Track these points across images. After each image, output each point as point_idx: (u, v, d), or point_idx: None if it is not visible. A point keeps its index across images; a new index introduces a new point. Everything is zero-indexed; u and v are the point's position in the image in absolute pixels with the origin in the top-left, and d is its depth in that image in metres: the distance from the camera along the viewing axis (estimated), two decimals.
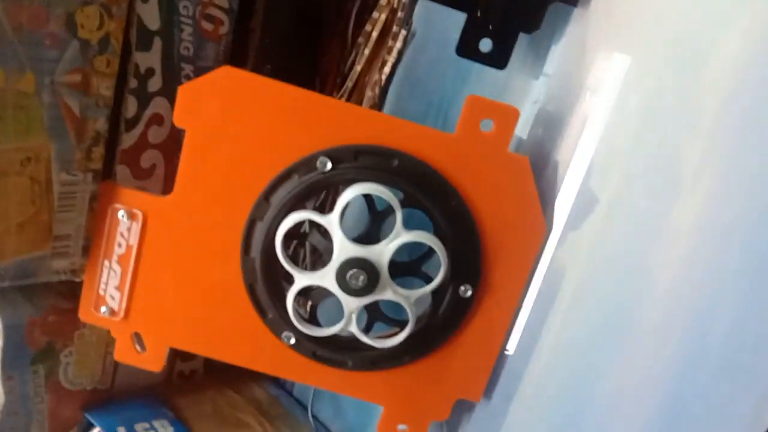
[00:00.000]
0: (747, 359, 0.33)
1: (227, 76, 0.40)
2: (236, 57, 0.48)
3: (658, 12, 0.37)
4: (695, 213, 0.35)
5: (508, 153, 0.40)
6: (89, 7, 0.38)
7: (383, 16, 0.49)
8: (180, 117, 0.40)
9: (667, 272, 0.36)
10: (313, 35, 0.53)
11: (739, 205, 0.33)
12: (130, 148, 0.43)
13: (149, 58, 0.42)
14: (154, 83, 0.43)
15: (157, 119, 0.44)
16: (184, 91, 0.40)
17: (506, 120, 0.40)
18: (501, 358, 0.43)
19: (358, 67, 0.51)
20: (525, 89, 0.45)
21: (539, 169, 0.42)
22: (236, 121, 0.40)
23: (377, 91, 0.51)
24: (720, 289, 0.34)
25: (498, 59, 0.42)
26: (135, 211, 0.42)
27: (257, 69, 0.49)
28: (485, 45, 0.41)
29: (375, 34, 0.50)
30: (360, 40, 0.51)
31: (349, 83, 0.52)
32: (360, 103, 0.52)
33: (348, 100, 0.52)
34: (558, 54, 0.43)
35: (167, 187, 0.46)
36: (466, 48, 0.42)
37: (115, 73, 0.40)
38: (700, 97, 0.35)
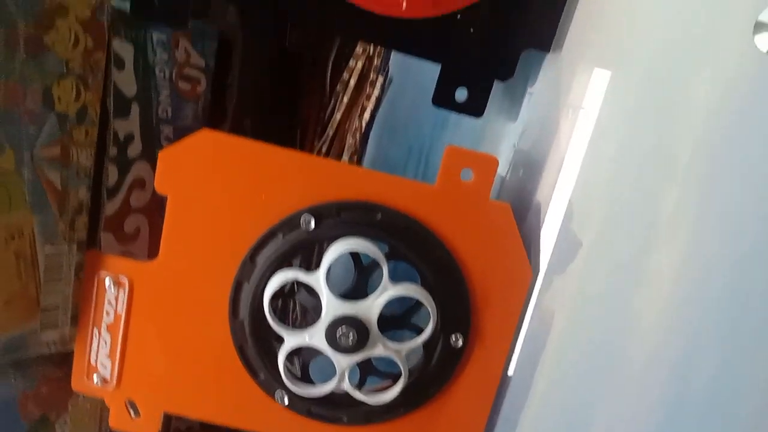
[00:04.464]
0: (730, 403, 0.33)
1: (206, 139, 0.40)
2: (215, 113, 0.48)
3: (629, 56, 0.38)
4: (674, 257, 0.35)
5: (490, 201, 0.40)
6: (65, 80, 0.39)
7: (359, 64, 0.50)
8: (161, 184, 0.40)
9: (651, 316, 0.36)
10: (291, 86, 0.53)
11: (716, 250, 0.34)
12: (113, 214, 0.43)
13: (128, 125, 0.42)
14: (134, 148, 0.43)
15: (139, 183, 0.44)
16: (163, 158, 0.40)
17: (486, 169, 0.40)
18: (495, 405, 0.43)
19: (338, 115, 0.52)
20: (503, 132, 0.46)
21: (522, 214, 0.43)
22: (218, 183, 0.40)
23: (358, 138, 0.51)
24: (702, 333, 0.34)
25: (475, 107, 0.42)
26: (121, 278, 0.42)
27: (236, 123, 0.49)
28: (461, 94, 0.42)
29: (353, 82, 0.50)
30: (338, 88, 0.51)
31: (330, 131, 0.52)
32: (342, 150, 0.52)
33: (329, 147, 0.53)
34: (534, 98, 0.44)
35: (152, 249, 0.46)
36: (443, 98, 0.42)
37: (94, 143, 0.41)
38: (674, 142, 0.35)
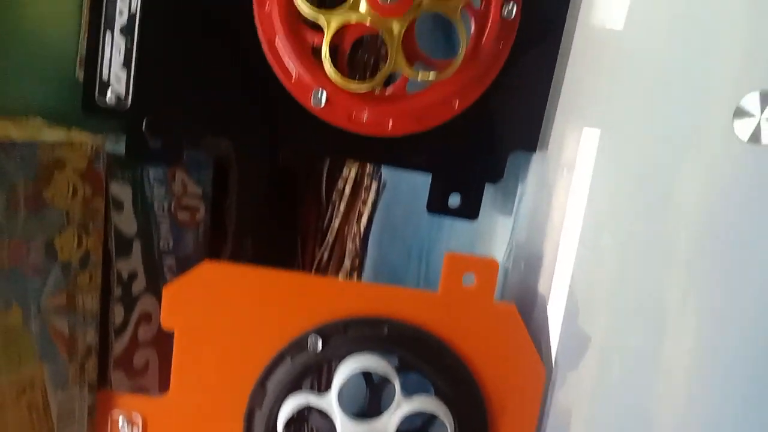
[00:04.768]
0: None
1: (208, 271, 0.40)
2: (215, 237, 0.49)
3: (614, 147, 0.39)
4: (687, 348, 0.35)
5: (495, 304, 0.41)
6: (66, 231, 0.39)
7: (353, 172, 0.51)
8: (167, 319, 0.40)
9: (670, 409, 0.36)
10: (288, 200, 0.54)
11: (729, 336, 0.33)
12: (122, 352, 0.43)
13: (130, 263, 0.43)
14: (138, 284, 0.44)
15: (145, 318, 0.44)
16: (168, 293, 0.40)
17: (487, 273, 0.40)
18: None
19: (336, 222, 0.52)
20: (500, 227, 0.46)
21: (528, 309, 0.43)
22: (223, 312, 0.41)
23: (358, 242, 0.52)
24: (723, 424, 0.33)
25: (469, 211, 0.43)
26: (134, 415, 0.42)
27: (237, 244, 0.50)
28: (454, 200, 0.42)
29: (348, 190, 0.51)
30: (334, 197, 0.52)
31: (330, 238, 0.53)
32: (343, 255, 0.53)
33: (331, 253, 0.53)
34: (526, 194, 0.44)
35: (163, 380, 0.46)
36: (437, 204, 0.43)
37: (98, 285, 0.41)
38: (669, 232, 0.36)
